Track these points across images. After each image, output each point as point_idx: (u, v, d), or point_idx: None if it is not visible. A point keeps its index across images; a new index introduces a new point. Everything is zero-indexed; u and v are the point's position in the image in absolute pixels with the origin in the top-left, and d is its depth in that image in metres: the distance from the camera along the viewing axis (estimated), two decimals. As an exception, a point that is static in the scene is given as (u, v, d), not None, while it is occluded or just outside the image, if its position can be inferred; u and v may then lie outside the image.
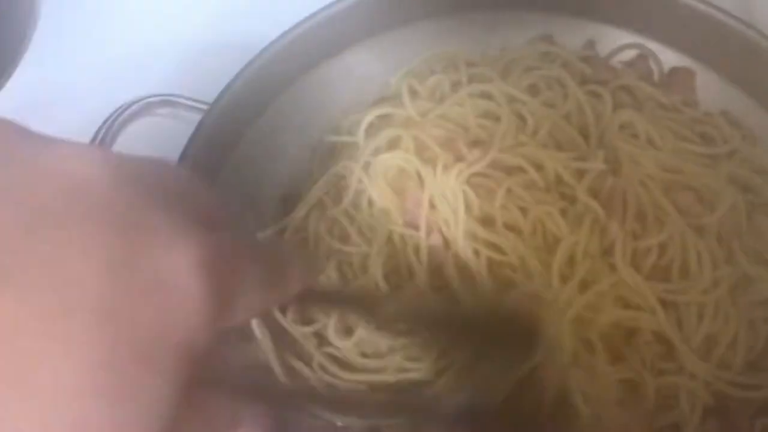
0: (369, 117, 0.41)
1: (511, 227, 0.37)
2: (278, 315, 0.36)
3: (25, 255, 0.15)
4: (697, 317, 0.33)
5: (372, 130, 0.42)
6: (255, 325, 0.35)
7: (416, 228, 0.37)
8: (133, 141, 0.41)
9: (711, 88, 0.44)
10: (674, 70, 0.45)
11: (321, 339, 0.37)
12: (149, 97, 0.40)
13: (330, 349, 0.36)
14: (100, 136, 0.38)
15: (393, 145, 0.40)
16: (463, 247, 0.36)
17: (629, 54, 0.45)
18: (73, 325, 0.15)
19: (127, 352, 0.15)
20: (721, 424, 0.33)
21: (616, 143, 0.39)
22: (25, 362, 0.14)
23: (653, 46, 0.45)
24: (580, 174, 0.38)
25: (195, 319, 0.17)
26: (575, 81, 0.43)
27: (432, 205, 0.37)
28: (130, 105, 0.40)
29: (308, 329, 0.36)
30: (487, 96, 0.43)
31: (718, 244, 0.35)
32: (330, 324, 0.36)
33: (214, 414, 0.20)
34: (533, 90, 0.43)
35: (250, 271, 0.19)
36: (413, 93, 0.43)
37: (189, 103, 0.41)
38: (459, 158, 0.39)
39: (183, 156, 0.39)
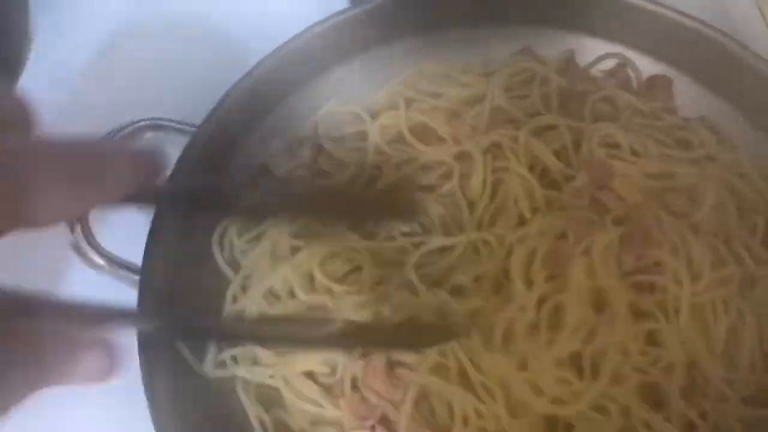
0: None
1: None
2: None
3: None
4: (713, 314, 0.34)
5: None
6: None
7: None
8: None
9: (688, 95, 0.45)
10: (652, 78, 0.46)
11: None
12: (138, 121, 0.40)
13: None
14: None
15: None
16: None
17: (608, 63, 0.47)
18: None
19: None
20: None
21: (601, 158, 0.39)
22: None
23: (631, 55, 0.46)
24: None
25: None
26: (555, 102, 0.44)
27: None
28: (119, 130, 0.39)
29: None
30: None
31: (718, 242, 0.36)
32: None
33: (45, 341, 0.20)
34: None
35: (47, 168, 0.19)
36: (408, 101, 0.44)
37: (177, 126, 0.41)
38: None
39: (170, 179, 0.39)
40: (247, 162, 0.43)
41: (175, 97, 0.42)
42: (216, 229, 0.41)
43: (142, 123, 0.40)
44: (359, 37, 0.44)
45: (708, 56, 0.43)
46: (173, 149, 0.39)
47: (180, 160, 0.39)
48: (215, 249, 0.40)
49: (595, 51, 0.46)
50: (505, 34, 0.47)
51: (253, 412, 0.37)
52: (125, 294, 0.36)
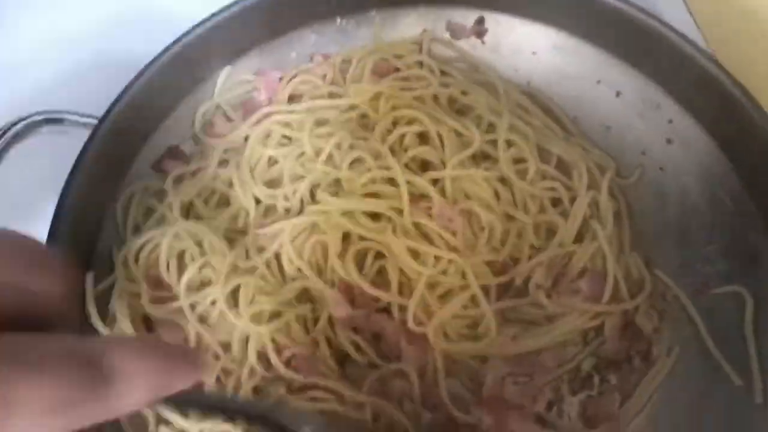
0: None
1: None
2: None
3: None
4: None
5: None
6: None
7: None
8: (21, 163, 0.38)
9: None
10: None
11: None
12: (33, 115, 0.38)
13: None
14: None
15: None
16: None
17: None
18: None
19: None
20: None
21: None
22: None
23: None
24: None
25: None
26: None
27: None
28: (11, 125, 0.38)
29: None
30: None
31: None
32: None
33: None
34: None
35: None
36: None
37: (76, 118, 0.39)
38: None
39: (72, 175, 0.38)
40: (152, 155, 0.43)
41: (71, 90, 0.40)
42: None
43: (38, 116, 0.38)
44: (256, 28, 0.45)
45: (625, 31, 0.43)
46: (76, 143, 0.38)
47: (82, 154, 0.38)
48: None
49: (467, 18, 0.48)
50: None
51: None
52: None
